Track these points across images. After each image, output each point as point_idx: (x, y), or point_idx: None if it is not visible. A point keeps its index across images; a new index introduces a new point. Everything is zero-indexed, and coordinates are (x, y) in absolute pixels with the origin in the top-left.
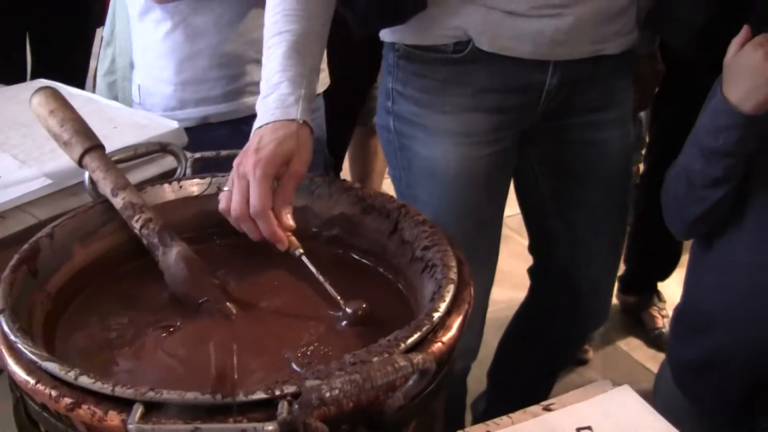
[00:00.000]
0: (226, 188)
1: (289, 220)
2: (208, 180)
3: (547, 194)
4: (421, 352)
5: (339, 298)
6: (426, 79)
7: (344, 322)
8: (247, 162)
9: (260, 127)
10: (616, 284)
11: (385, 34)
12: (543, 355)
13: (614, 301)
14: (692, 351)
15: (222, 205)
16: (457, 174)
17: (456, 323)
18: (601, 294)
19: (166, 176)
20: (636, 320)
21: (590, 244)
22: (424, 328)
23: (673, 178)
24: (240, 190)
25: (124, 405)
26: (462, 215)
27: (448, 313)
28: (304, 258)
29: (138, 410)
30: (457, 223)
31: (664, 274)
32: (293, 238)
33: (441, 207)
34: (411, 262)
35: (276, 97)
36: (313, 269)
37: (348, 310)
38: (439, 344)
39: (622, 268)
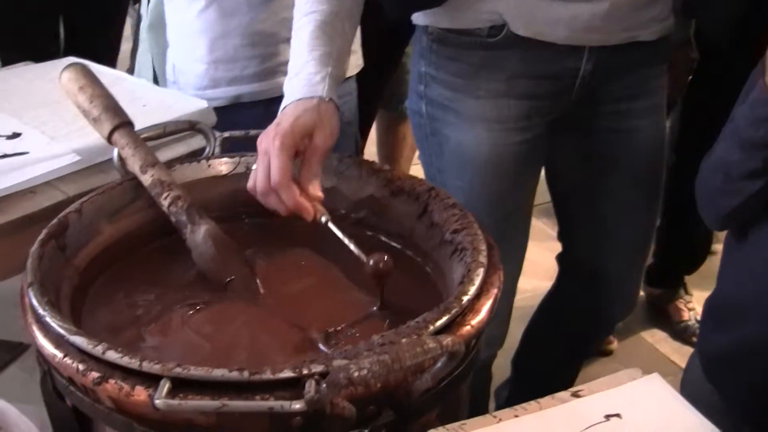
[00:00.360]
0: (253, 167)
1: (316, 190)
2: (237, 159)
3: (576, 183)
4: (450, 335)
5: (363, 255)
6: (459, 63)
7: (369, 276)
8: (267, 138)
9: (285, 107)
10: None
11: (418, 18)
12: (567, 344)
13: (641, 293)
14: (723, 343)
15: (249, 184)
16: (488, 160)
17: (485, 307)
18: (627, 285)
19: (194, 156)
20: (662, 313)
21: (617, 234)
22: (453, 311)
23: (709, 169)
24: (262, 166)
25: (151, 380)
26: (491, 202)
27: (477, 296)
28: (330, 224)
29: (165, 386)
30: (487, 210)
31: (691, 267)
32: (319, 206)
33: (471, 193)
34: (440, 245)
35: (303, 77)
36: (339, 233)
37: (370, 262)
38: (468, 327)
39: (649, 260)
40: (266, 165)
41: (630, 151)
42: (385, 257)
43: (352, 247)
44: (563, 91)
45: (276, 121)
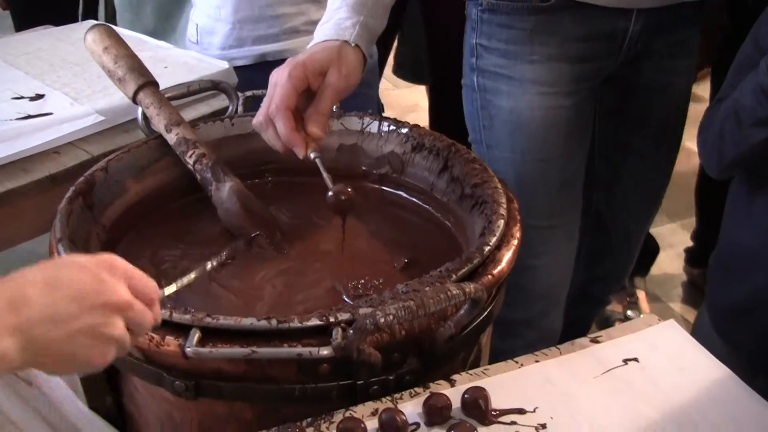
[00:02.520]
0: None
1: (317, 129)
2: None
3: (599, 134)
4: (472, 282)
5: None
6: (512, 30)
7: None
8: (278, 70)
9: (311, 47)
10: (683, 256)
11: None
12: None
13: (680, 272)
14: (731, 295)
15: (254, 120)
16: (542, 124)
17: (506, 257)
18: (629, 246)
19: (217, 116)
20: (701, 292)
21: (630, 190)
22: (475, 261)
23: (720, 113)
24: (267, 97)
25: (180, 331)
26: (545, 170)
27: (498, 247)
28: (318, 161)
29: (195, 335)
30: (541, 179)
31: None
32: (314, 143)
33: (524, 163)
34: (460, 199)
35: (333, 22)
36: (323, 171)
37: (330, 193)
38: (489, 277)
39: (689, 242)
40: (270, 96)
41: (660, 108)
42: (348, 189)
43: (328, 182)
44: (612, 52)
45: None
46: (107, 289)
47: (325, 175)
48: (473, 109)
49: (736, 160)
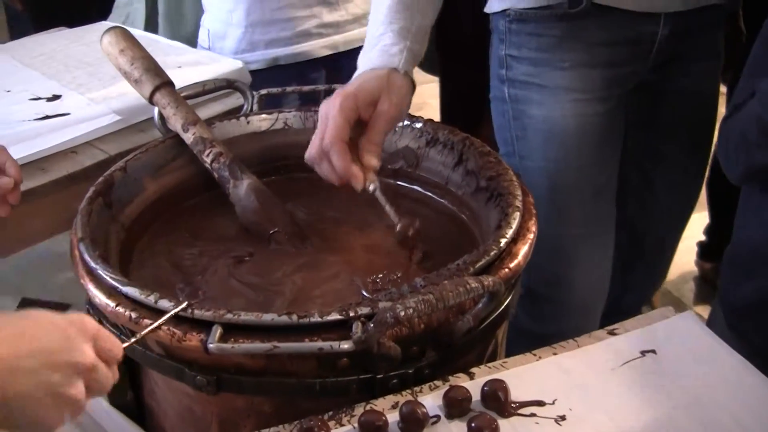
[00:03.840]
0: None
1: (372, 160)
2: (275, 115)
3: (631, 144)
4: (490, 276)
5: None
6: (542, 38)
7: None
8: (328, 102)
9: (357, 77)
10: (695, 250)
11: (493, 4)
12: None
13: (692, 266)
14: (743, 292)
15: (306, 154)
16: (575, 132)
17: (522, 251)
18: (663, 254)
19: (231, 114)
20: (713, 287)
21: (663, 198)
22: (492, 253)
23: (742, 121)
24: (319, 130)
25: (202, 326)
26: (579, 179)
27: (514, 240)
28: (377, 192)
29: (217, 331)
30: (575, 187)
31: None
32: (371, 174)
33: (558, 172)
34: (476, 192)
35: (378, 48)
36: (384, 202)
37: (397, 227)
38: (506, 270)
39: (701, 236)
40: (322, 129)
41: (691, 113)
42: (416, 222)
43: (392, 215)
44: (642, 56)
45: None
46: (73, 348)
47: (387, 208)
48: (504, 121)
49: (759, 169)
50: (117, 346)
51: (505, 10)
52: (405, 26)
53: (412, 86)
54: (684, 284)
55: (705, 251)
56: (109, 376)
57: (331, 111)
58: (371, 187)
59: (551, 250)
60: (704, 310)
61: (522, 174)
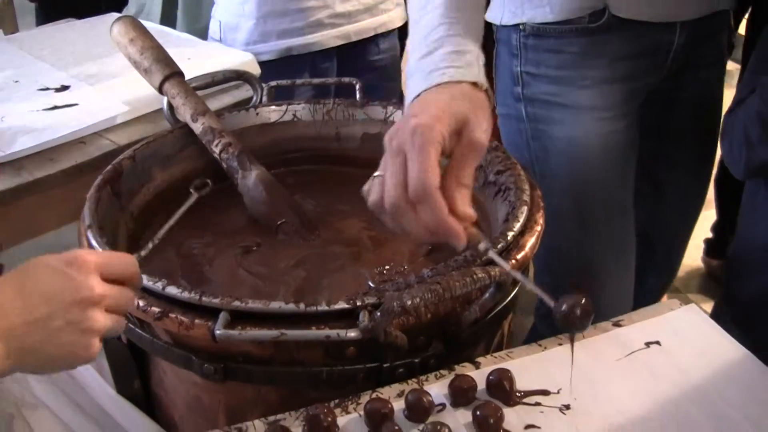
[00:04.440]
0: (376, 174)
1: (467, 207)
2: (284, 107)
3: (642, 153)
4: (496, 267)
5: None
6: (562, 55)
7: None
8: (404, 132)
9: (419, 94)
10: (702, 247)
11: (505, 18)
12: None
13: (699, 263)
14: (749, 289)
15: (372, 197)
16: (600, 152)
17: (529, 243)
18: (674, 258)
19: (240, 106)
20: (719, 283)
21: (675, 206)
22: (499, 245)
23: (744, 117)
24: (395, 170)
25: (209, 314)
26: (605, 199)
27: (522, 233)
28: (493, 255)
29: (224, 318)
30: (602, 207)
31: None
32: (473, 229)
33: (582, 194)
34: (484, 186)
35: (442, 54)
36: (509, 269)
37: (562, 307)
38: (513, 262)
39: (708, 233)
40: (400, 168)
41: (700, 119)
42: (583, 301)
43: (537, 291)
44: (657, 67)
45: (409, 112)
46: (78, 285)
47: (528, 283)
48: (522, 140)
49: (762, 165)
50: (125, 263)
51: (518, 24)
52: (472, 27)
53: (489, 99)
54: (690, 281)
55: (712, 248)
56: (125, 295)
57: (412, 143)
58: (482, 247)
59: (578, 270)
60: (709, 306)
61: (544, 192)
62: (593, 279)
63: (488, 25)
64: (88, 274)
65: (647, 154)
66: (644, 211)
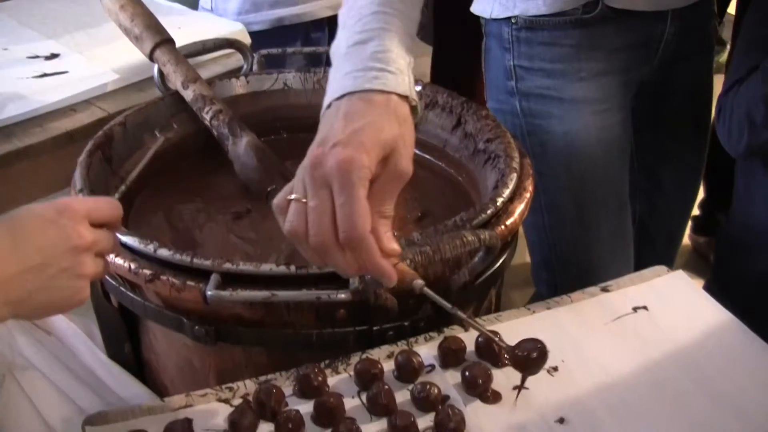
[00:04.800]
0: (293, 196)
1: (392, 242)
2: (275, 75)
3: (637, 146)
4: (487, 230)
5: (499, 340)
6: (556, 47)
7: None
8: (329, 159)
9: (342, 96)
10: (689, 224)
11: (495, 11)
12: None
13: (686, 240)
14: (744, 269)
15: (290, 226)
16: (598, 146)
17: (518, 210)
18: (672, 247)
19: (230, 76)
20: (706, 261)
21: (672, 196)
22: (489, 211)
23: (745, 98)
24: (321, 205)
25: (201, 276)
26: (604, 194)
27: (511, 199)
28: (428, 292)
29: (216, 280)
30: (602, 203)
31: None
32: (405, 266)
33: (581, 189)
34: (473, 154)
35: (374, 50)
36: (446, 304)
37: (516, 352)
38: (503, 227)
39: (696, 210)
40: (326, 203)
41: (692, 108)
42: (539, 345)
43: (482, 329)
44: (650, 58)
45: (338, 127)
46: (70, 234)
47: (472, 322)
48: (517, 136)
49: (763, 146)
50: (112, 209)
51: (510, 17)
52: (408, 27)
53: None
54: (678, 258)
55: (699, 225)
56: (111, 238)
57: (340, 182)
58: (418, 287)
59: (580, 271)
60: (697, 284)
61: (542, 193)
62: (592, 274)
63: (474, 19)
64: (78, 222)
65: (641, 146)
66: (641, 202)
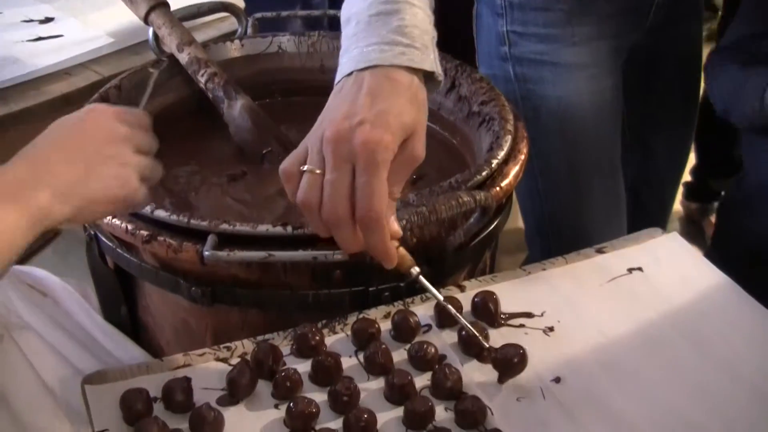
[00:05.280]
0: (307, 167)
1: (395, 224)
2: (269, 39)
3: (628, 113)
4: (482, 190)
5: (482, 338)
6: (549, 12)
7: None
8: (356, 136)
9: (366, 69)
10: (681, 191)
11: None
12: None
13: (678, 207)
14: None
15: (303, 196)
16: (591, 110)
17: (513, 171)
18: (664, 213)
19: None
20: (699, 227)
21: (664, 163)
22: (484, 173)
23: (765, 88)
24: (340, 180)
25: (198, 237)
26: (599, 157)
27: (506, 161)
28: (424, 280)
29: (213, 240)
30: (596, 167)
31: (727, 182)
32: (403, 251)
33: (577, 153)
34: (467, 117)
35: (400, 23)
36: (439, 296)
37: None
38: (497, 189)
39: (687, 177)
40: (347, 180)
41: (681, 75)
42: (521, 351)
43: (471, 330)
44: (641, 23)
45: (363, 103)
46: (106, 128)
47: (461, 320)
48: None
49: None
50: (139, 115)
51: None
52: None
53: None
54: (670, 224)
55: (691, 192)
56: (148, 138)
57: (365, 162)
58: (414, 272)
59: (573, 235)
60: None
61: (536, 157)
62: (585, 239)
63: None
64: (108, 117)
65: (633, 113)
66: (633, 169)
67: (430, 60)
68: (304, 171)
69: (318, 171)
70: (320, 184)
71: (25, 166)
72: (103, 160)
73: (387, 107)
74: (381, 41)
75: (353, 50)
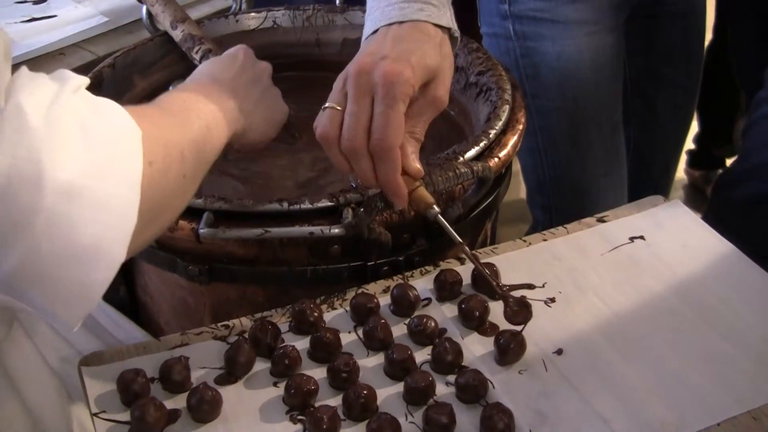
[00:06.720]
0: (328, 104)
1: (417, 162)
2: (263, 14)
3: (631, 72)
4: (480, 161)
5: (497, 285)
6: None
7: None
8: (376, 73)
9: (391, 24)
10: (684, 158)
11: None
12: None
13: (681, 175)
14: (746, 190)
15: (322, 130)
16: (591, 67)
17: (511, 141)
18: (668, 175)
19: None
20: (703, 194)
21: (667, 122)
22: (482, 143)
23: None
24: (359, 112)
25: (193, 215)
26: (599, 115)
27: (504, 131)
28: (442, 221)
29: (208, 218)
30: (595, 124)
31: (731, 149)
32: (423, 192)
33: (578, 110)
34: (465, 88)
35: None
36: (457, 237)
37: (507, 310)
38: (496, 159)
39: (690, 144)
40: (365, 112)
41: (685, 33)
42: (528, 308)
43: (486, 273)
44: None
45: (388, 46)
46: (254, 62)
47: (478, 264)
48: (510, 59)
49: None
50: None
51: None
52: None
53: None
54: (674, 192)
55: (695, 159)
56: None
57: (384, 92)
58: (432, 213)
59: (574, 192)
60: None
61: (536, 115)
62: (586, 196)
63: None
64: (253, 56)
65: (636, 71)
66: (636, 128)
67: (447, 17)
68: (326, 108)
69: (339, 107)
70: (340, 120)
71: (211, 83)
72: (266, 87)
73: (410, 48)
74: (400, 0)
75: (375, 12)
